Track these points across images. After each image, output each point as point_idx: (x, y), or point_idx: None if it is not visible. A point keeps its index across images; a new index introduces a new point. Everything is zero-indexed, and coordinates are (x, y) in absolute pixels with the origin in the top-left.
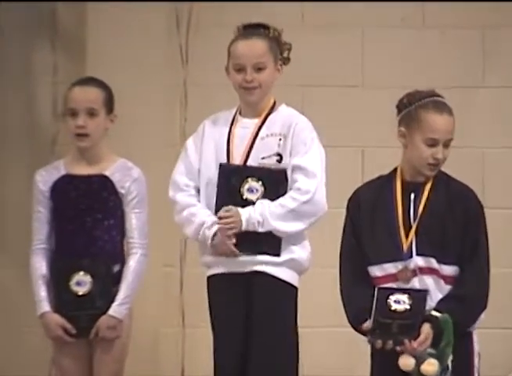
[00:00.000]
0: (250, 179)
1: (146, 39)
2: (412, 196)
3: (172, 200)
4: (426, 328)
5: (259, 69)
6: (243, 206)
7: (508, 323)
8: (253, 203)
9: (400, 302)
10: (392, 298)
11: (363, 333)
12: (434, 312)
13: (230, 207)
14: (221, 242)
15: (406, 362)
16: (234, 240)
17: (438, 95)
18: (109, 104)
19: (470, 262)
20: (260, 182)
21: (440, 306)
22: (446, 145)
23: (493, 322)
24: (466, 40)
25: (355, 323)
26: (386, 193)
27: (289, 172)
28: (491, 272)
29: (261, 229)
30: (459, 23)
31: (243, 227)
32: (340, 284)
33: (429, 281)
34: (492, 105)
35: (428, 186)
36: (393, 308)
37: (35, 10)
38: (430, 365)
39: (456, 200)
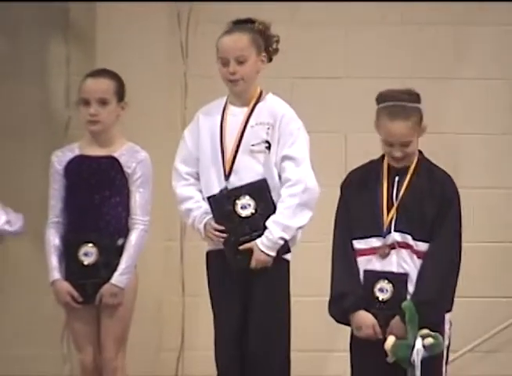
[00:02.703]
0: (239, 198)
1: (150, 34)
2: (397, 178)
3: (173, 190)
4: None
5: (241, 62)
6: (242, 223)
7: (477, 292)
8: (249, 217)
9: (384, 291)
10: (377, 286)
11: (337, 319)
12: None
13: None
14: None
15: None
16: (220, 234)
17: (398, 96)
18: (120, 93)
19: (439, 237)
20: (247, 197)
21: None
22: (404, 145)
23: (463, 291)
24: (440, 35)
25: (331, 308)
26: (374, 175)
27: (277, 162)
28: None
29: (288, 238)
30: (433, 21)
31: (271, 253)
32: (332, 258)
33: (404, 255)
34: (464, 95)
35: (411, 171)
36: (379, 297)
37: (49, 8)
38: (389, 340)
39: (435, 185)
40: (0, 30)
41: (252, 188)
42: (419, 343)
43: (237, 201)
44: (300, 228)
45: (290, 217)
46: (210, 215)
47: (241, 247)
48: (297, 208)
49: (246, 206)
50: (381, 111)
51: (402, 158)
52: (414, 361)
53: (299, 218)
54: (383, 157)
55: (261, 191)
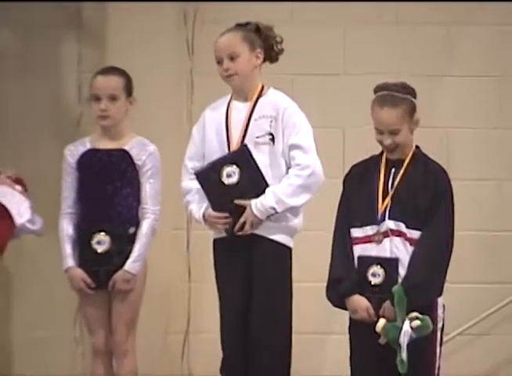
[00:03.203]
0: (224, 167)
1: (157, 34)
2: (393, 170)
3: (181, 184)
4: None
5: (232, 58)
6: (229, 192)
7: (467, 278)
8: (235, 185)
9: (376, 275)
10: (370, 271)
11: (333, 302)
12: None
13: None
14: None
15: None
16: (223, 223)
17: (391, 88)
18: (129, 89)
19: (431, 225)
20: (234, 166)
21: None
22: (393, 133)
23: (454, 277)
24: (434, 35)
25: (328, 292)
26: (373, 168)
27: (284, 152)
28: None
29: (279, 210)
30: (427, 20)
31: (261, 217)
32: (332, 246)
33: (397, 242)
34: (455, 91)
35: (407, 163)
36: (371, 282)
37: (63, 8)
38: (379, 323)
39: (429, 177)
40: (16, 29)
41: (235, 156)
42: (406, 325)
43: (222, 171)
44: (292, 207)
45: (288, 194)
46: (205, 204)
47: (236, 201)
48: (298, 188)
49: (231, 174)
50: (374, 100)
51: (392, 147)
52: (401, 342)
53: (296, 197)
54: (382, 151)
55: (243, 157)
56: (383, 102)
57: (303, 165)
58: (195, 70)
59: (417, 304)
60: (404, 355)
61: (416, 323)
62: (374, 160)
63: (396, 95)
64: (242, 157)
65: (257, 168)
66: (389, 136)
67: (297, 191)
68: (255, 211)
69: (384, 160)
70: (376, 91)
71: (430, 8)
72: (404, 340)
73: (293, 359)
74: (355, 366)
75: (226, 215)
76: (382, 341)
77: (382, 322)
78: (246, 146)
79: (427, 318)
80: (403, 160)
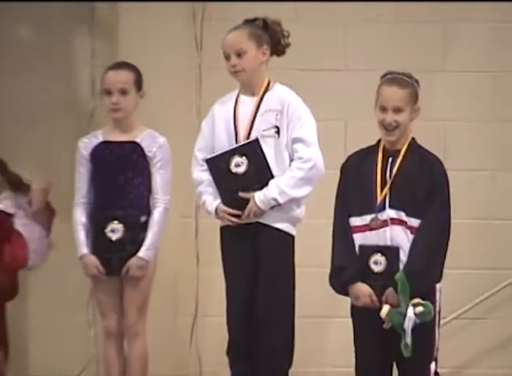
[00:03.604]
0: (234, 157)
1: (168, 30)
2: (390, 160)
3: (192, 175)
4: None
5: (239, 55)
6: (235, 180)
7: (463, 264)
8: (242, 174)
9: (378, 263)
10: (372, 259)
11: (336, 290)
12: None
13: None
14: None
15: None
16: (233, 218)
17: (400, 74)
18: (139, 83)
19: (429, 214)
20: (243, 157)
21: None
22: (395, 111)
23: (451, 263)
24: (431, 32)
25: (332, 280)
26: (370, 158)
27: (288, 144)
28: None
29: (281, 202)
30: (425, 19)
31: (264, 209)
32: (332, 234)
33: (398, 230)
34: (451, 86)
35: (403, 153)
36: (374, 270)
37: (77, 5)
38: (384, 309)
39: (426, 167)
40: (32, 25)
41: (245, 148)
42: (410, 311)
43: (231, 160)
44: (295, 198)
45: (291, 186)
46: (219, 199)
47: (240, 194)
48: (300, 181)
49: (239, 164)
50: (383, 81)
51: (393, 127)
52: (406, 327)
53: (298, 189)
54: (378, 142)
55: (253, 149)
56: (392, 81)
57: (305, 158)
58: (203, 66)
59: (419, 290)
60: (408, 339)
61: (420, 309)
62: (371, 150)
63: (404, 79)
64: (252, 149)
65: (266, 160)
66: (392, 114)
67: (299, 183)
68: (258, 203)
69: (380, 150)
70: (384, 75)
71: (427, 7)
72: (408, 325)
73: (296, 342)
74: (359, 349)
75: (236, 212)
76: (386, 326)
77: (386, 308)
78: (257, 139)
79: (429, 304)
80: (399, 151)
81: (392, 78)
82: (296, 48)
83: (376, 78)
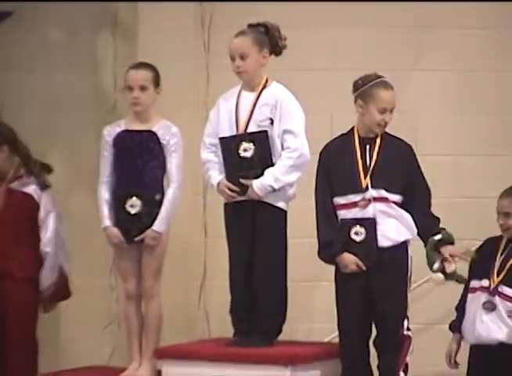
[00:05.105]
0: (243, 142)
1: (179, 34)
2: (368, 147)
3: (200, 156)
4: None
5: (243, 57)
6: (241, 163)
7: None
8: (248, 158)
9: (358, 234)
10: (353, 230)
11: (326, 261)
12: (436, 237)
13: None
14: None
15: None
16: (233, 194)
17: (382, 76)
18: (157, 81)
19: (416, 188)
20: (251, 143)
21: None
22: (391, 111)
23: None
24: (405, 36)
25: (322, 253)
26: (347, 145)
27: (279, 135)
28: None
29: (276, 187)
30: (400, 23)
31: (261, 195)
32: (316, 212)
33: (381, 206)
34: (423, 82)
35: (378, 140)
36: (356, 240)
37: (101, 10)
38: (452, 267)
39: (399, 151)
40: (60, 28)
41: (255, 136)
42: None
43: (241, 144)
44: (288, 184)
45: (283, 173)
46: (223, 175)
47: (242, 181)
48: (290, 168)
49: (247, 149)
50: (376, 85)
51: (386, 123)
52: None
53: (289, 175)
54: (352, 130)
55: (261, 139)
56: (386, 84)
57: (292, 148)
58: (210, 65)
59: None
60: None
61: (451, 268)
62: (346, 138)
63: (389, 82)
64: (260, 138)
65: (270, 150)
66: (389, 115)
67: (289, 170)
68: (256, 190)
69: (356, 138)
70: (367, 81)
71: (403, 13)
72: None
73: (289, 302)
74: (342, 311)
75: (235, 188)
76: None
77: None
78: (266, 131)
79: (445, 231)
80: (374, 138)
81: (385, 82)
82: (287, 49)
83: (358, 76)
